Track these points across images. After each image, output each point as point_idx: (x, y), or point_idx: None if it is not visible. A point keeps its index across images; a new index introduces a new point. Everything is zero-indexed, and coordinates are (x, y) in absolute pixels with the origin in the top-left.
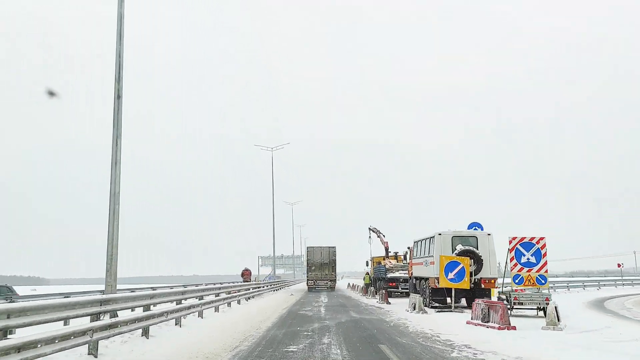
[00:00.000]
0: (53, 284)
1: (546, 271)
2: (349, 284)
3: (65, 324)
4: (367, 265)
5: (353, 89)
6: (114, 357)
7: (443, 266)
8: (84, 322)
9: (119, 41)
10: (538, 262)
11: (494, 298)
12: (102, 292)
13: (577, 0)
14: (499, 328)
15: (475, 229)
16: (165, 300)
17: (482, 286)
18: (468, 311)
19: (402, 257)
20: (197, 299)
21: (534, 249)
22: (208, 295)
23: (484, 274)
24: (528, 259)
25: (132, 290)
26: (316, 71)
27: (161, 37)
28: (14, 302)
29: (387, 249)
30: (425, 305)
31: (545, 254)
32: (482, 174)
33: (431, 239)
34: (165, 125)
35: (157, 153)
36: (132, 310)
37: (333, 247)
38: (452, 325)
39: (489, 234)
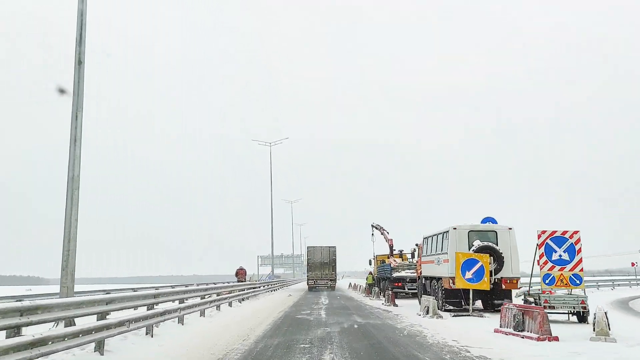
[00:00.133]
0: (53, 283)
1: (581, 270)
2: (350, 283)
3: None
4: (370, 264)
5: (353, 89)
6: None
7: (459, 264)
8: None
9: None
10: (572, 260)
11: (515, 300)
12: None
13: (577, 0)
14: (538, 339)
15: (490, 224)
16: (128, 306)
17: (503, 287)
18: (488, 315)
19: (411, 254)
20: (178, 303)
21: (566, 244)
22: (191, 297)
23: (505, 273)
24: (560, 255)
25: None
26: (316, 71)
27: (161, 37)
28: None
29: (391, 247)
30: (438, 309)
31: (580, 250)
32: (482, 174)
33: (444, 234)
34: (165, 125)
35: (157, 153)
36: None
37: (333, 247)
38: (479, 335)
39: (510, 229)
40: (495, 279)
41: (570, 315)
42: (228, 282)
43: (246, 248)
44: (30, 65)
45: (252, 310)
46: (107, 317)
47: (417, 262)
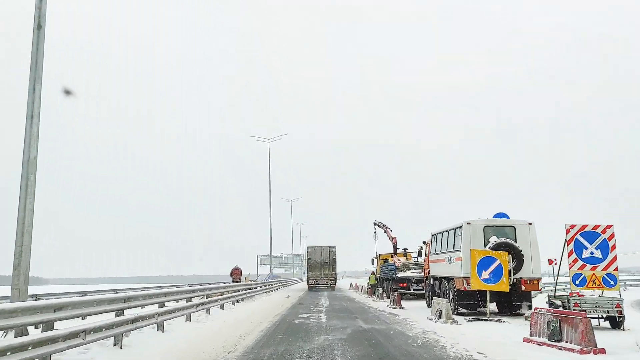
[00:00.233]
0: (52, 283)
1: (616, 269)
2: (351, 283)
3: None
4: (373, 263)
5: (353, 88)
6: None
7: (475, 263)
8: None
9: None
10: (605, 258)
11: (536, 304)
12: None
13: (577, 0)
14: (582, 352)
15: (507, 219)
16: (87, 312)
17: (523, 288)
18: (507, 320)
19: (417, 253)
20: (158, 307)
21: (599, 240)
22: (174, 300)
23: (525, 272)
24: (592, 252)
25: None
26: (316, 71)
27: (161, 37)
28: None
29: (395, 245)
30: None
31: (614, 247)
32: (482, 174)
33: (457, 230)
34: (165, 126)
35: (157, 153)
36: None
37: (333, 247)
38: (506, 345)
39: (529, 223)
40: (514, 279)
41: (600, 320)
42: (223, 283)
43: (246, 248)
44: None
45: (246, 314)
46: (55, 326)
47: (424, 261)
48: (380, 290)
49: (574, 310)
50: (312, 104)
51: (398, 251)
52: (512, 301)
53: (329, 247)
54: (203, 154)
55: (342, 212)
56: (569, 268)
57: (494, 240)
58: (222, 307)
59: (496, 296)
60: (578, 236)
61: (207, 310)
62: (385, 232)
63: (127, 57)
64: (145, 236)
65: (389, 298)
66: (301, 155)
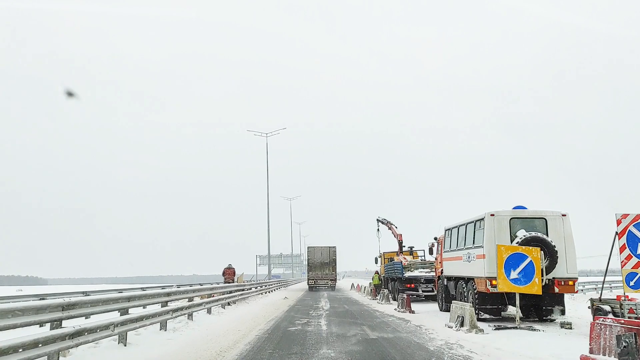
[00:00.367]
0: (51, 283)
1: None
2: (352, 284)
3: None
4: (377, 262)
5: (353, 85)
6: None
7: (502, 261)
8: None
9: None
10: None
11: (573, 309)
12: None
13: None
14: None
15: (538, 210)
16: (37, 320)
17: (556, 290)
18: (541, 328)
19: (428, 250)
20: (119, 314)
21: None
22: (141, 305)
23: (559, 272)
24: None
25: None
26: (317, 69)
27: (161, 35)
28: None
29: (400, 243)
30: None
31: None
32: (488, 170)
33: (478, 223)
34: (165, 126)
35: (158, 154)
36: None
37: (333, 247)
38: None
39: (563, 215)
40: (546, 280)
41: None
42: (216, 283)
43: (246, 248)
44: (30, 66)
45: (235, 319)
46: None
47: (435, 259)
48: (386, 291)
49: (629, 317)
50: (313, 104)
51: (404, 249)
52: (542, 305)
53: (329, 247)
54: (203, 154)
55: (342, 213)
56: (622, 266)
57: (522, 234)
58: (209, 311)
59: (522, 299)
60: (632, 228)
61: (190, 316)
62: (389, 228)
63: (127, 55)
64: (145, 236)
65: (395, 300)
66: (301, 154)
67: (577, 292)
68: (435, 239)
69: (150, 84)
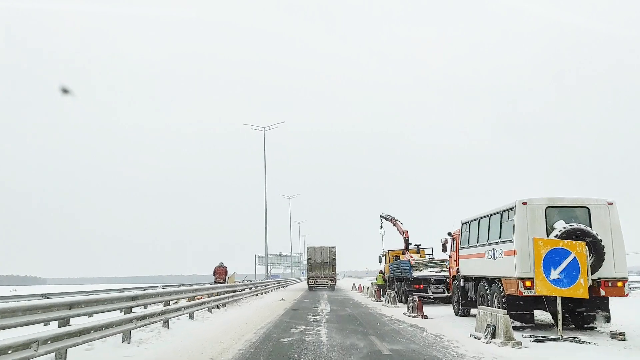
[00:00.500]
0: (50, 283)
1: None
2: (353, 284)
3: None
4: (380, 261)
5: (352, 84)
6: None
7: (540, 258)
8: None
9: None
10: None
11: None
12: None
13: None
14: None
15: (579, 198)
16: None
17: (602, 293)
18: (586, 339)
19: (442, 247)
20: (57, 326)
21: None
22: (91, 313)
23: (606, 271)
24: None
25: None
26: (318, 67)
27: (161, 35)
28: None
29: (407, 240)
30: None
31: None
32: (488, 170)
33: (506, 214)
34: (165, 126)
35: (158, 154)
36: None
37: (333, 247)
38: None
39: (609, 203)
40: (591, 281)
41: None
42: (210, 283)
43: (246, 248)
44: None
45: (221, 326)
46: None
47: (449, 257)
48: (392, 292)
49: None
50: (313, 104)
51: (410, 247)
52: (583, 310)
53: (329, 247)
54: (203, 154)
55: (342, 213)
56: None
57: (561, 225)
58: (191, 316)
59: (554, 302)
60: None
61: (165, 323)
62: (394, 225)
63: (128, 55)
64: (145, 236)
65: (402, 302)
66: (301, 154)
67: (627, 295)
68: (449, 234)
69: (150, 84)
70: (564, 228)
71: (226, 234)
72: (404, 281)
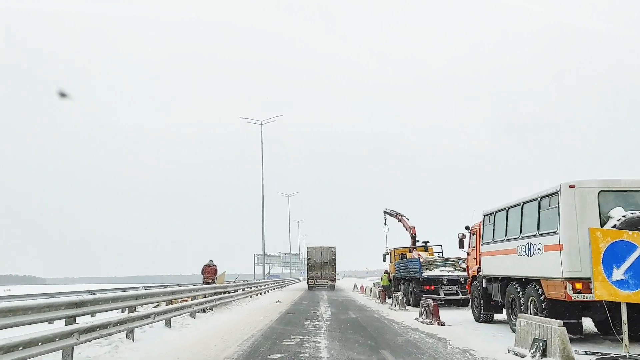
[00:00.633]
0: (49, 283)
1: None
2: (355, 284)
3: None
4: (385, 260)
5: (352, 83)
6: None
7: (599, 253)
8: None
9: None
10: None
11: None
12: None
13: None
14: None
15: None
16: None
17: None
18: None
19: (459, 243)
20: None
21: None
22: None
23: None
24: None
25: None
26: (317, 69)
27: (161, 35)
28: None
29: (414, 237)
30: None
31: None
32: (487, 170)
33: (547, 200)
34: (165, 126)
35: (158, 154)
36: None
37: (333, 247)
38: None
39: None
40: None
41: None
42: (193, 285)
43: (245, 248)
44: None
45: (200, 336)
46: None
47: (467, 254)
48: (401, 295)
49: None
50: (313, 104)
51: (417, 244)
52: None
53: (329, 247)
54: (203, 154)
55: (342, 213)
56: None
57: (620, 213)
58: (167, 323)
59: (600, 310)
60: None
61: (130, 334)
62: (400, 221)
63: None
64: (144, 236)
65: (410, 304)
66: (301, 154)
67: None
68: (467, 228)
69: (150, 84)
70: (624, 216)
71: (226, 234)
72: (412, 282)
